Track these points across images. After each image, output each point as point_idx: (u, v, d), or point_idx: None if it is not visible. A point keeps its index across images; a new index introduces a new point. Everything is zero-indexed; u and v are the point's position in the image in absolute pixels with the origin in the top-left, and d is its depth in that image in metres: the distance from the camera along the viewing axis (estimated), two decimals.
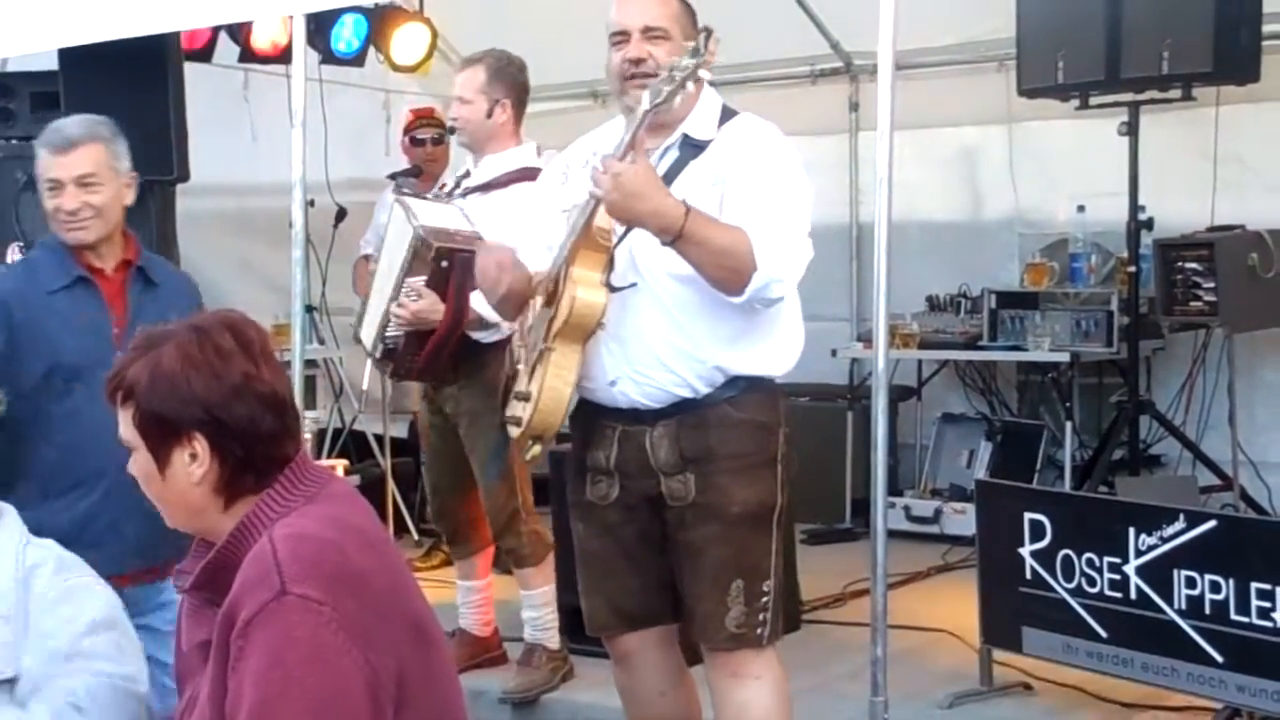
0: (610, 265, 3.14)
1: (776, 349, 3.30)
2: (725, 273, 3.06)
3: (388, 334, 4.56)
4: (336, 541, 2.08)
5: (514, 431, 3.28)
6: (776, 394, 3.34)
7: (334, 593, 2.00)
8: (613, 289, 3.13)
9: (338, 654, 1.97)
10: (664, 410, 3.22)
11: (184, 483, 2.13)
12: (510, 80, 4.71)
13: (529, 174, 4.59)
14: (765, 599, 3.25)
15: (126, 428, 2.15)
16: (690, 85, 3.00)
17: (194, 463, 2.12)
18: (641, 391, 3.22)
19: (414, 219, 4.50)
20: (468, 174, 4.79)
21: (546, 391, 3.16)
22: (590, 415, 3.31)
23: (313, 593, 1.98)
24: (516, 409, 3.27)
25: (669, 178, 3.16)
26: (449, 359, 4.54)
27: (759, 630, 3.25)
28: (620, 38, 3.25)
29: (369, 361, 5.05)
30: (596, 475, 3.32)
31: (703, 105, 3.25)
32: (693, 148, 3.20)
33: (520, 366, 3.33)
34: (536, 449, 3.29)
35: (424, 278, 4.40)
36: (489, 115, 4.65)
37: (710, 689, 3.36)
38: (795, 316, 3.32)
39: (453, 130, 4.89)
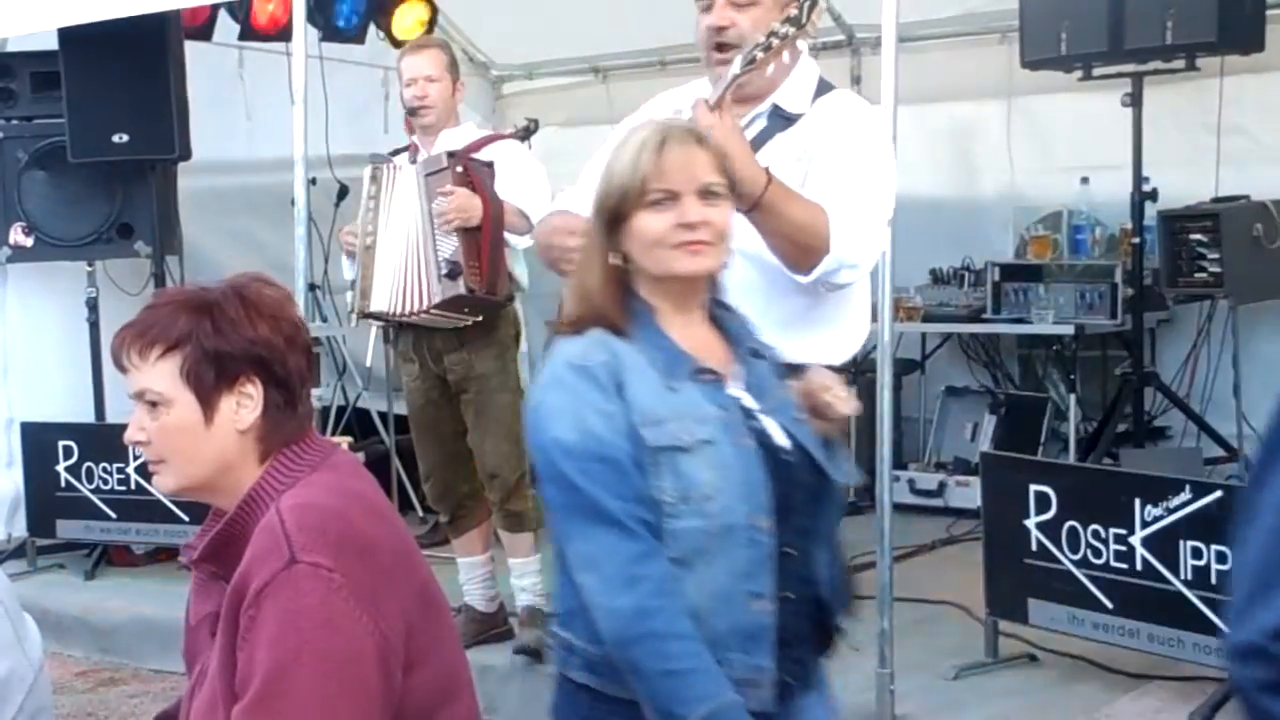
0: None
1: (837, 337, 3.13)
2: (796, 249, 2.89)
3: (442, 255, 4.50)
4: (342, 509, 2.10)
5: None
6: None
7: (342, 559, 2.02)
8: None
9: (349, 620, 2.00)
10: None
11: (228, 430, 2.13)
12: (457, 64, 4.95)
13: (499, 135, 4.98)
14: None
15: (165, 379, 2.13)
16: (785, 55, 2.83)
17: (243, 408, 2.13)
18: None
19: (409, 164, 4.74)
20: (418, 151, 4.90)
21: None
22: None
23: (322, 560, 2.00)
24: None
25: (753, 148, 2.96)
26: (497, 269, 4.59)
27: None
28: (705, 2, 3.06)
29: (372, 336, 5.05)
30: None
31: (798, 76, 3.05)
32: (782, 119, 3.02)
33: None
34: None
35: (448, 185, 4.50)
36: (453, 94, 4.86)
37: None
38: (863, 303, 3.17)
39: (413, 112, 4.88)
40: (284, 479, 2.14)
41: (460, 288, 4.48)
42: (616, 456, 2.11)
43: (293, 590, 1.98)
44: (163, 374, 2.13)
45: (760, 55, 2.81)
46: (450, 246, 4.48)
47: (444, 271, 4.49)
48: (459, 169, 4.52)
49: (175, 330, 2.12)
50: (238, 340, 2.12)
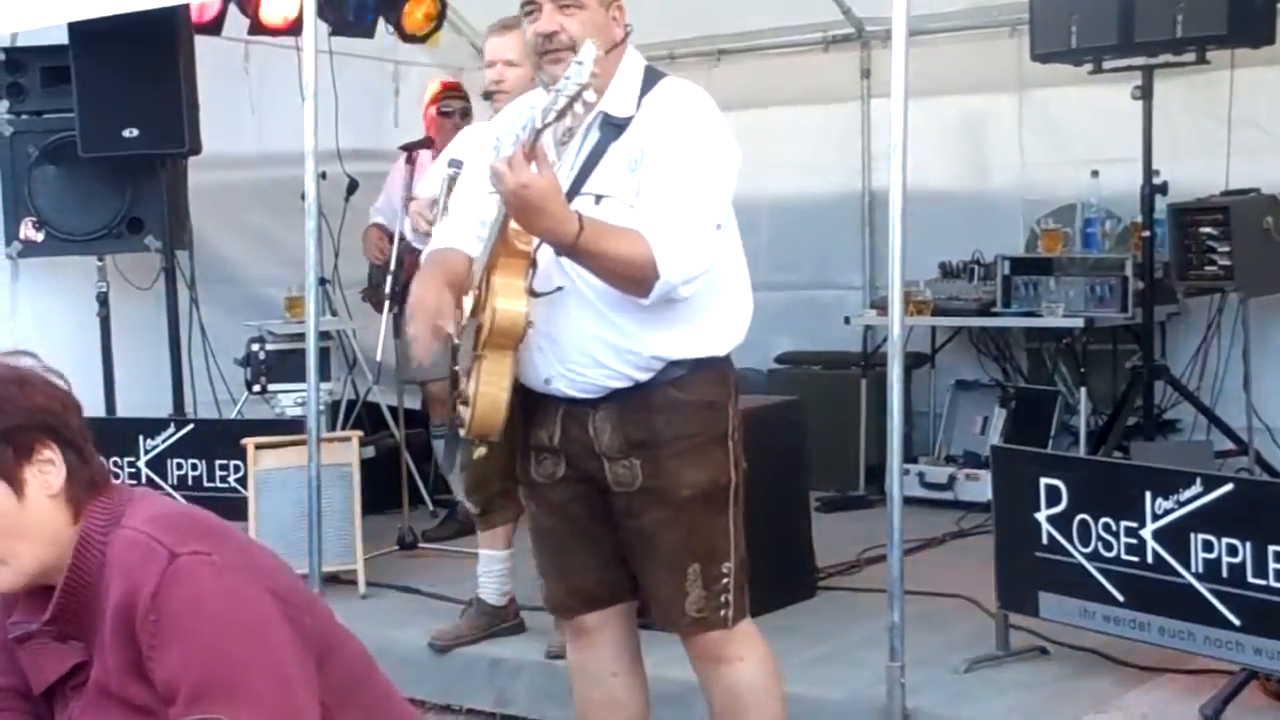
0: (532, 268, 3.02)
1: (717, 326, 3.19)
2: (624, 282, 2.98)
3: None
4: (190, 511, 2.26)
5: (461, 432, 3.18)
6: (726, 370, 3.24)
7: (214, 542, 2.12)
8: (535, 294, 3.01)
9: (242, 588, 2.09)
10: (605, 396, 3.13)
11: (42, 499, 2.16)
12: None
13: None
14: (725, 580, 3.16)
15: None
16: (579, 106, 2.82)
17: (46, 473, 2.16)
18: (577, 388, 3.12)
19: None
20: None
21: (482, 398, 3.04)
22: (533, 394, 3.18)
23: (199, 547, 2.09)
24: (461, 411, 3.15)
25: (591, 162, 3.05)
26: None
27: (722, 612, 3.17)
28: (531, 7, 3.10)
29: (383, 330, 5.07)
30: (541, 453, 3.22)
31: (622, 77, 3.10)
32: (613, 128, 3.05)
33: (458, 369, 3.20)
34: (483, 449, 3.20)
35: None
36: (532, 80, 4.72)
37: (696, 675, 3.31)
38: (737, 289, 3.22)
39: (488, 96, 4.79)
40: (106, 519, 2.18)
41: None
42: None
43: (183, 582, 2.05)
44: None
45: (555, 109, 2.81)
46: None
47: None
48: None
49: None
50: (20, 413, 2.14)
